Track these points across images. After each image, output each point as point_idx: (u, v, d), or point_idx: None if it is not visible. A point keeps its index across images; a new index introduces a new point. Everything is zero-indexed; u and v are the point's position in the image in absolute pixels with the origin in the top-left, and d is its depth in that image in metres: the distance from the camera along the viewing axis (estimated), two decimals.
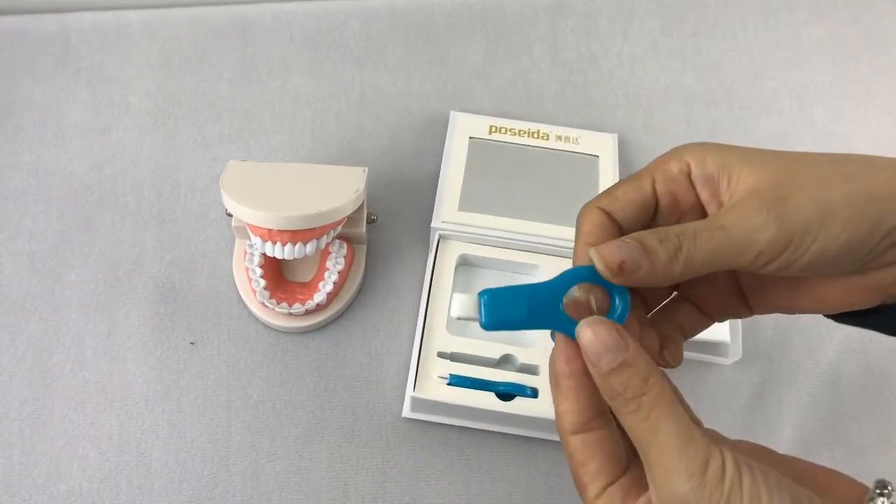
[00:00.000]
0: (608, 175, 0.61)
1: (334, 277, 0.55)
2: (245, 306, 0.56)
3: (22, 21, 0.68)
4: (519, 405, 0.52)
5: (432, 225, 0.57)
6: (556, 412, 0.30)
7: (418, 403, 0.53)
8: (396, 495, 0.52)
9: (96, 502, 0.51)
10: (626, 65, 0.70)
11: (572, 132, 0.63)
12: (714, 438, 0.31)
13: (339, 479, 0.52)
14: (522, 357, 0.54)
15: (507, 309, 0.30)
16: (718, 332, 0.58)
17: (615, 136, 0.63)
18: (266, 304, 0.54)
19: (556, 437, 0.53)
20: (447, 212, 0.58)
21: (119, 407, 0.53)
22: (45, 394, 0.53)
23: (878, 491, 0.28)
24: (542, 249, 0.57)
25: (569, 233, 0.57)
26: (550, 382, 0.31)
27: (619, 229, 0.32)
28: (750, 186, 0.29)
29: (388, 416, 0.54)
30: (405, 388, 0.54)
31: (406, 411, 0.54)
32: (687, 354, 0.57)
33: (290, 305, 0.54)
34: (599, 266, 0.29)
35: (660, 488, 0.27)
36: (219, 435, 0.53)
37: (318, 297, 0.54)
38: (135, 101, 0.65)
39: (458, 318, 0.31)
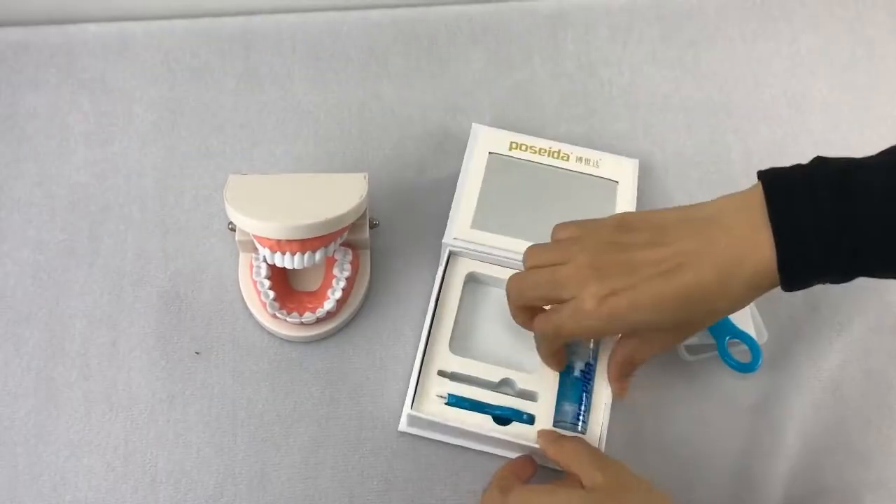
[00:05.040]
0: (626, 201, 0.60)
1: (342, 284, 0.55)
2: (250, 316, 0.57)
3: (25, 33, 0.68)
4: (515, 430, 0.52)
5: (443, 241, 0.57)
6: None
7: (415, 420, 0.53)
8: None
9: None
10: (625, 73, 0.70)
11: (593, 154, 0.62)
12: None
13: (343, 487, 0.52)
14: (522, 382, 0.53)
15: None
16: None
17: (636, 161, 0.63)
18: (277, 315, 0.54)
19: (549, 465, 0.52)
20: (459, 228, 0.58)
21: (124, 417, 0.53)
22: (50, 404, 0.53)
23: None
24: None
25: None
26: None
27: None
28: None
29: (392, 427, 0.54)
30: (405, 402, 0.53)
31: (402, 426, 0.54)
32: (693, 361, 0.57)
33: (301, 315, 0.54)
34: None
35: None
36: (224, 445, 0.53)
37: (328, 305, 0.54)
38: (138, 112, 0.65)
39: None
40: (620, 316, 0.43)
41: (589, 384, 0.53)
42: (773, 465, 0.54)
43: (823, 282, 0.43)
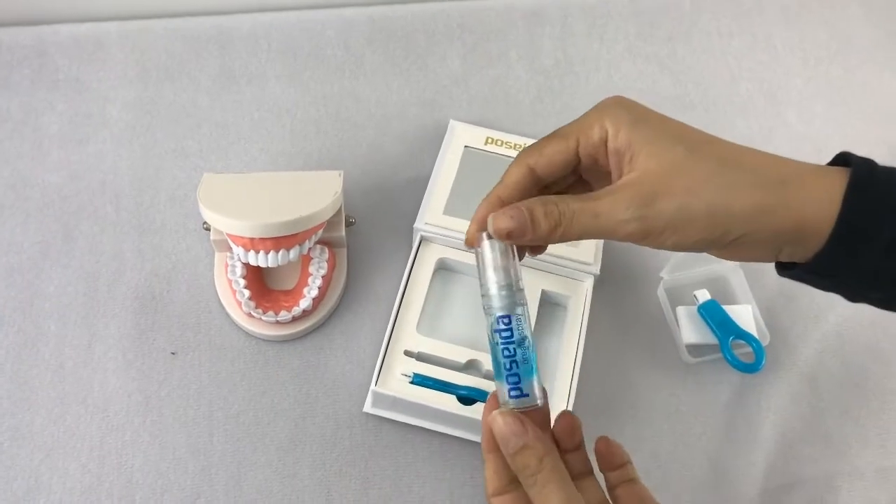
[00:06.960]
0: None
1: (318, 282, 0.55)
2: (226, 315, 0.56)
3: None
4: (479, 410, 0.52)
5: (415, 225, 0.58)
6: (484, 478, 0.38)
7: (379, 399, 0.53)
8: (379, 501, 0.52)
9: None
10: (602, 69, 0.71)
11: None
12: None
13: (321, 485, 0.52)
14: (489, 363, 0.53)
15: None
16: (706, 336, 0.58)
17: None
18: (252, 314, 0.54)
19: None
20: (432, 214, 0.58)
21: (100, 418, 0.53)
22: (25, 406, 0.53)
23: None
24: (522, 262, 0.57)
25: (550, 248, 0.57)
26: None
27: (537, 184, 0.39)
28: (634, 176, 0.35)
29: (370, 423, 0.54)
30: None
31: (367, 406, 0.54)
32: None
33: (277, 314, 0.54)
34: (492, 231, 0.37)
35: None
36: (200, 445, 0.53)
37: (304, 303, 0.54)
38: (113, 112, 0.65)
39: None
40: None
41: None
42: (750, 455, 0.54)
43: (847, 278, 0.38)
